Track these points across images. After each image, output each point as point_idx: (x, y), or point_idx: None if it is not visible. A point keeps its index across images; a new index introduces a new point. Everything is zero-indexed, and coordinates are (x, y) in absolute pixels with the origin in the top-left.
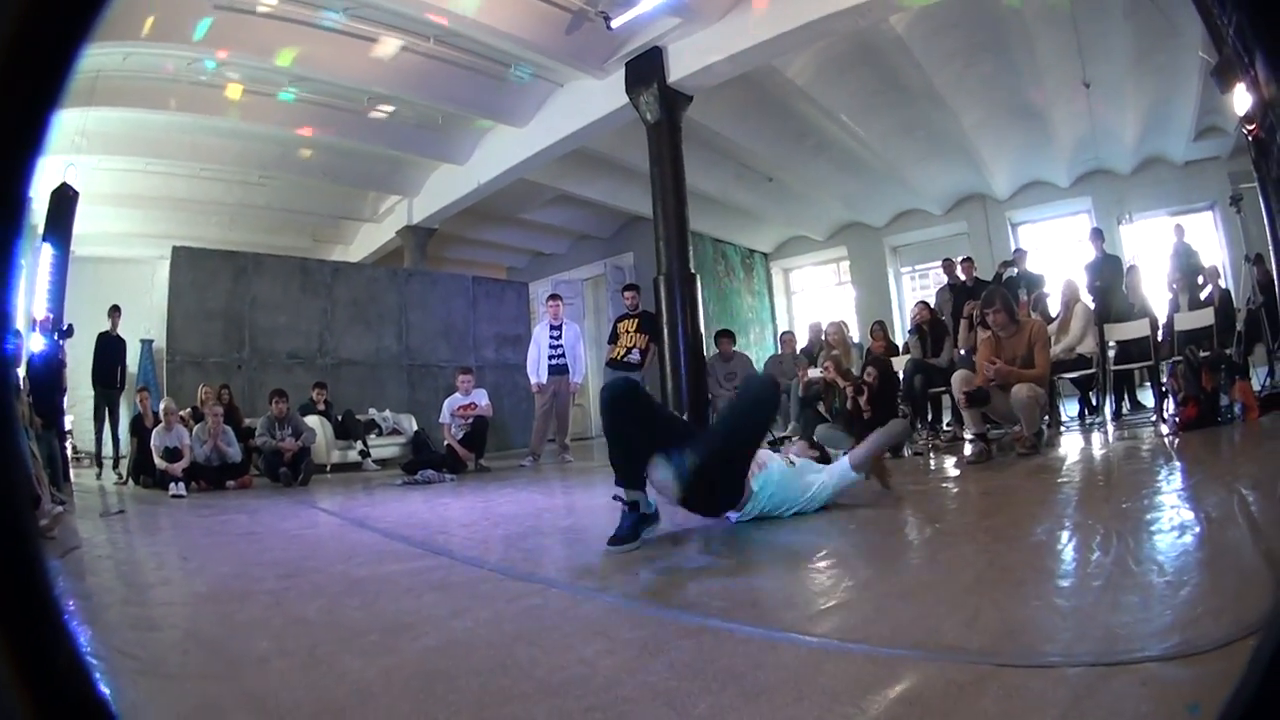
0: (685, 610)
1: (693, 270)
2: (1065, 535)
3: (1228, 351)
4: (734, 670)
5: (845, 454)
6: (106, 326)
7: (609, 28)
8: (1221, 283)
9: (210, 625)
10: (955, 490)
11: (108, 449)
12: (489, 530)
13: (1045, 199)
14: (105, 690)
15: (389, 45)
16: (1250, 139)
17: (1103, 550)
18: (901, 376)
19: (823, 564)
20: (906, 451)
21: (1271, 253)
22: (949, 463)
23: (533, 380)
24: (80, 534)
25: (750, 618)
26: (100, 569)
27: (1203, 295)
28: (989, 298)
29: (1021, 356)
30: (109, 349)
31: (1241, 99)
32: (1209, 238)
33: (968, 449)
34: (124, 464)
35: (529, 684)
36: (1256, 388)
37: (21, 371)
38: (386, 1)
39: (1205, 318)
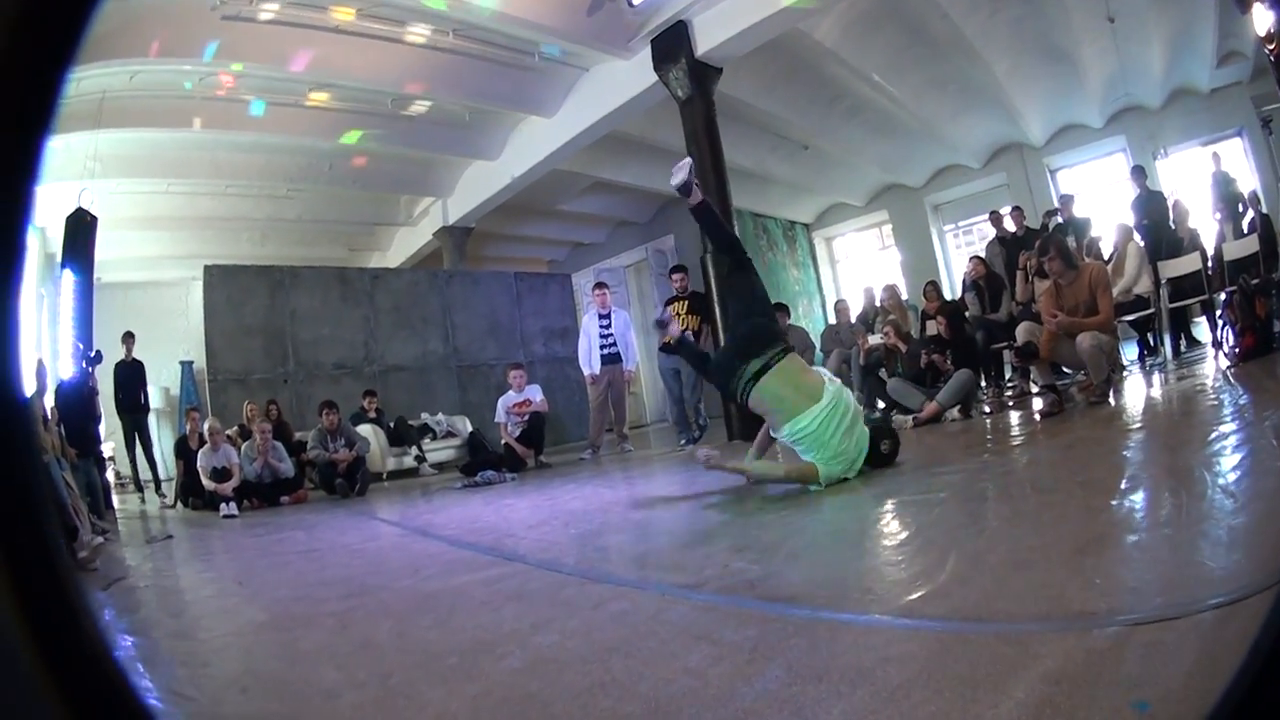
0: (791, 604)
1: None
2: (1160, 484)
3: (1275, 277)
4: (860, 667)
5: (915, 413)
6: (122, 354)
7: (631, 5)
8: (1261, 208)
9: (271, 657)
10: (1037, 446)
11: (144, 473)
12: (559, 530)
13: (1081, 141)
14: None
15: (410, 42)
16: (1273, 58)
17: (1200, 496)
18: None
19: (923, 538)
20: (976, 410)
21: None
22: (1021, 418)
23: (586, 371)
24: (125, 564)
25: (863, 605)
26: (147, 600)
27: (1244, 223)
28: (1044, 245)
29: (1084, 302)
30: (127, 375)
31: (1261, 18)
32: (1240, 164)
33: (1036, 402)
34: (166, 486)
35: (635, 703)
36: None
37: (50, 401)
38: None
39: (1250, 245)
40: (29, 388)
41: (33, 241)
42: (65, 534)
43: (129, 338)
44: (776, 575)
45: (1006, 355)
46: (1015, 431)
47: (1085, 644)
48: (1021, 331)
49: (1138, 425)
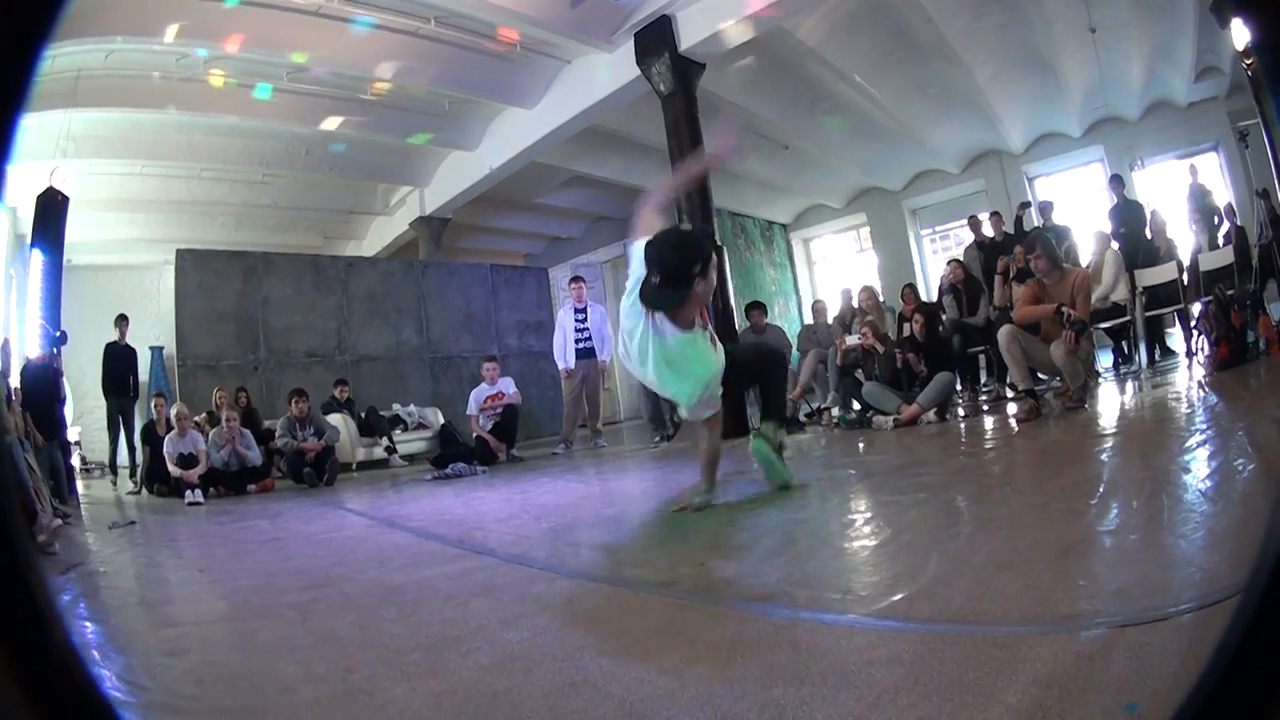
0: (770, 603)
1: (719, 243)
2: (1139, 488)
3: (1249, 288)
4: (843, 669)
5: (895, 415)
6: (113, 336)
7: None
8: (1236, 220)
9: (229, 648)
10: (1015, 450)
11: (124, 458)
12: (530, 524)
13: (1059, 150)
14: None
15: (390, 28)
16: (1250, 74)
17: (1178, 499)
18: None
19: (904, 538)
20: (952, 413)
21: (1277, 186)
22: (998, 421)
23: (561, 365)
24: (86, 548)
25: (843, 605)
26: (105, 586)
27: (1220, 234)
28: (1031, 242)
29: (1065, 304)
30: (118, 359)
31: (1240, 33)
32: (1215, 178)
33: (1012, 407)
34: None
35: (609, 705)
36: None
37: (14, 382)
38: None
39: (1226, 256)
40: None
41: (3, 221)
42: (25, 517)
43: (123, 320)
44: (753, 574)
45: (983, 359)
46: (993, 435)
47: (1073, 646)
48: (1004, 335)
49: (1114, 431)
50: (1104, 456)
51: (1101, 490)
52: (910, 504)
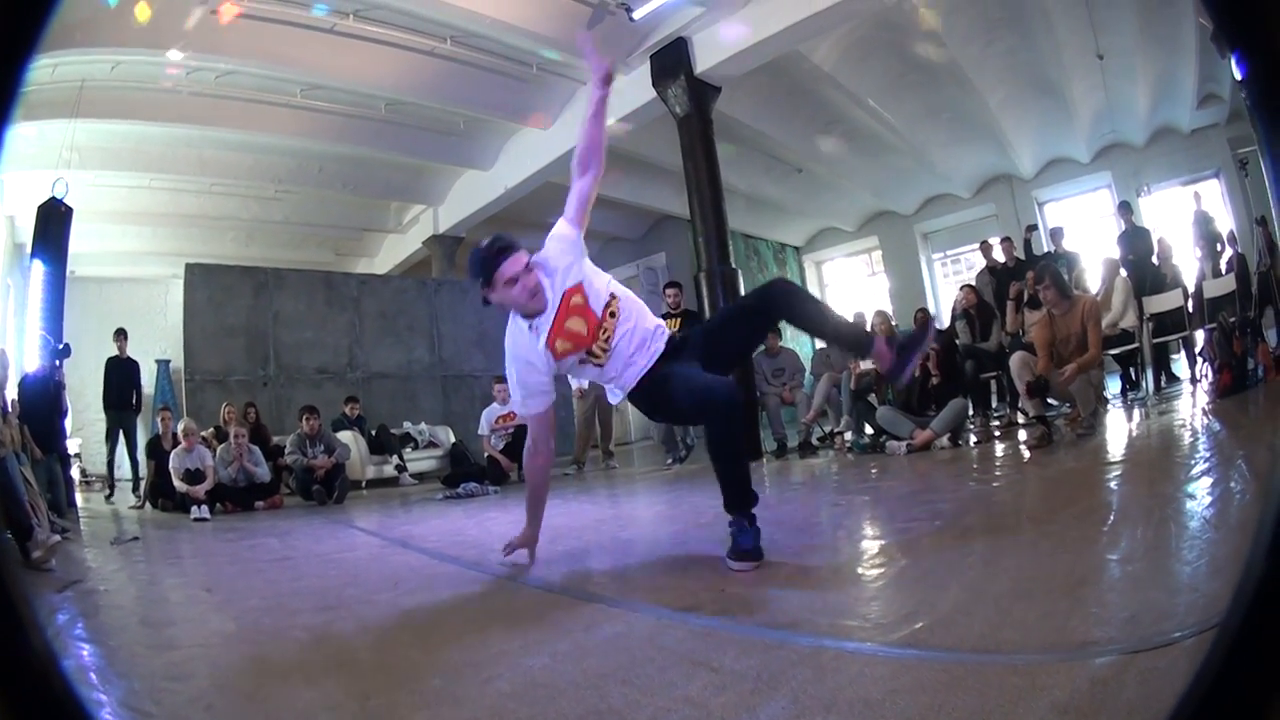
0: (793, 630)
1: (733, 265)
2: (1149, 515)
3: (1250, 315)
4: (868, 698)
5: (909, 440)
6: (115, 350)
7: (631, 20)
8: (1238, 247)
9: (240, 672)
10: (1027, 477)
11: (123, 473)
12: (544, 546)
13: (1068, 175)
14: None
15: (407, 47)
16: (1249, 103)
17: (1186, 526)
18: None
19: (922, 566)
20: (964, 439)
21: (1275, 215)
22: (1009, 448)
23: (574, 386)
24: (85, 565)
25: (866, 634)
26: (107, 605)
27: (1223, 261)
28: (1039, 273)
29: (1076, 334)
30: (120, 372)
31: (1240, 62)
32: (1217, 205)
33: (1023, 433)
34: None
35: None
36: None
37: (11, 394)
38: (400, 2)
39: (1228, 284)
40: None
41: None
42: (20, 532)
43: (121, 335)
44: (774, 600)
45: (995, 385)
46: (1005, 462)
47: (1088, 673)
48: (1016, 363)
49: (1125, 458)
50: (1113, 484)
51: (1112, 518)
52: (926, 531)
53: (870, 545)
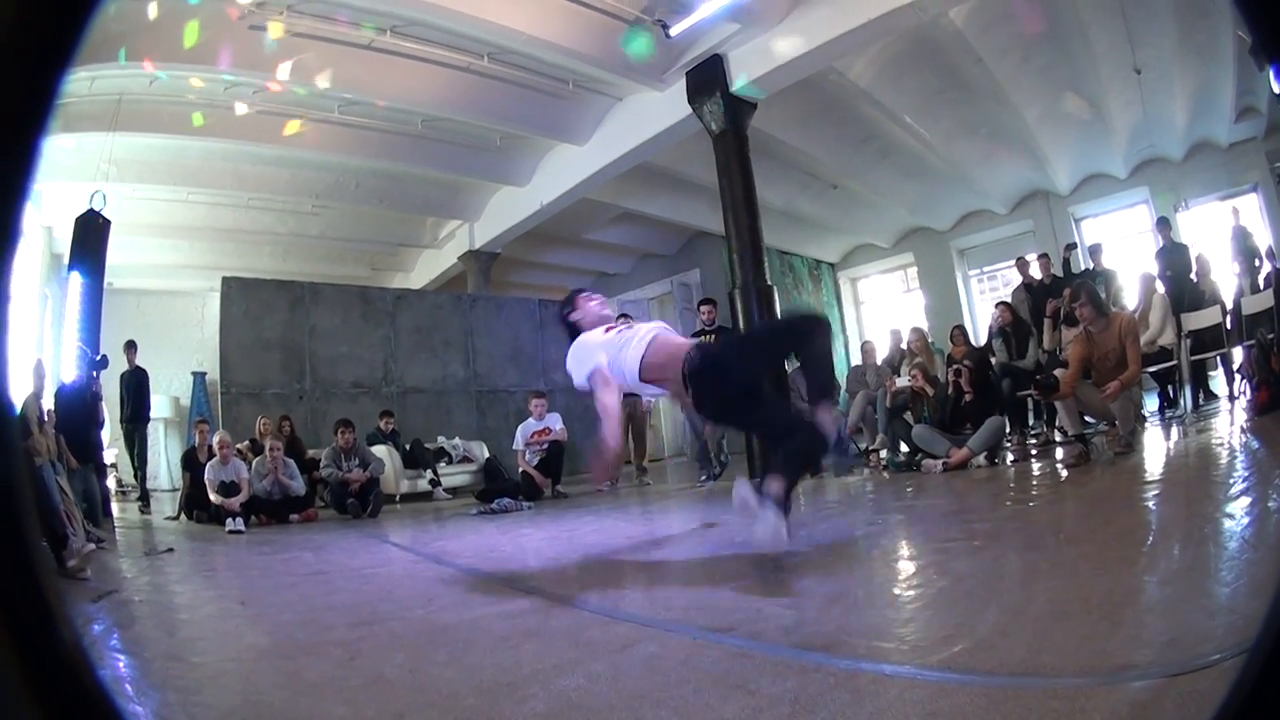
0: (830, 652)
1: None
2: (1188, 535)
3: None
4: None
5: (945, 459)
6: (137, 362)
7: (668, 36)
8: (1277, 263)
9: (273, 687)
10: (1066, 496)
11: (159, 483)
12: (578, 563)
13: (1105, 191)
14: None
15: (444, 64)
16: None
17: (1225, 547)
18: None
19: (961, 587)
20: (1001, 458)
21: None
22: (1046, 466)
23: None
24: (120, 575)
25: (904, 656)
26: (140, 616)
27: (1261, 277)
28: (1075, 292)
29: (1114, 351)
30: (129, 383)
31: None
32: (1255, 219)
33: (1059, 451)
34: (169, 499)
35: None
36: None
37: (49, 404)
38: (437, 19)
39: (1267, 300)
40: (22, 389)
41: (37, 240)
42: (55, 541)
43: (131, 347)
44: (811, 622)
45: (1031, 403)
46: (1042, 481)
47: (1128, 696)
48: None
49: (1164, 477)
50: (1152, 503)
51: (1151, 538)
52: (964, 551)
53: (907, 566)
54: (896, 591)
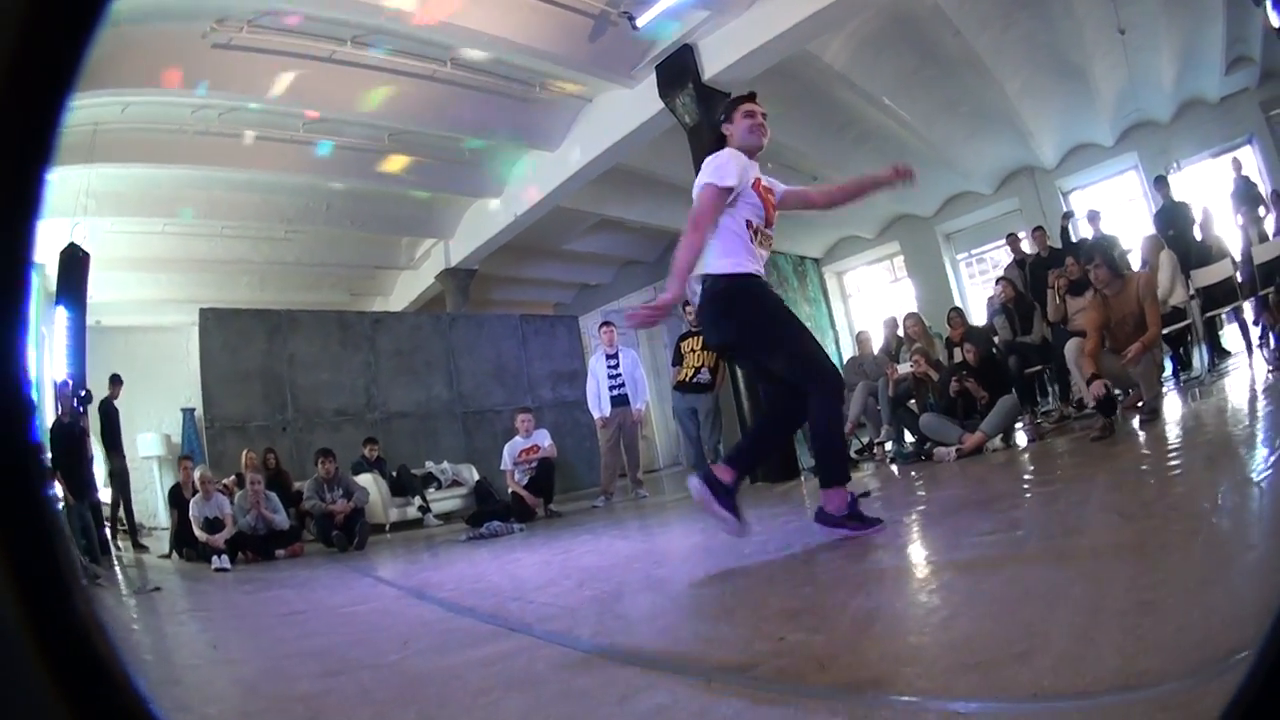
0: (879, 689)
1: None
2: (1252, 500)
3: None
4: None
5: (958, 445)
6: (124, 395)
7: (634, 28)
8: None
9: None
10: (1102, 471)
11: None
12: (572, 591)
13: (1093, 161)
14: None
15: (405, 73)
16: None
17: None
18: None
19: (1017, 587)
20: (1015, 438)
21: None
22: (1069, 443)
23: (596, 414)
24: (110, 615)
25: (974, 686)
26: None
27: (1267, 225)
28: (1089, 253)
29: (1132, 314)
30: (105, 418)
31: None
32: (1252, 169)
33: (1076, 427)
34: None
35: None
36: None
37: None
38: (398, 25)
39: (1277, 248)
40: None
41: (34, 279)
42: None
43: (116, 381)
44: (849, 650)
45: (1042, 380)
46: (1070, 457)
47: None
48: (1071, 350)
49: (1199, 441)
50: (1199, 470)
51: (1218, 506)
52: (1007, 544)
53: (945, 568)
54: (939, 601)
